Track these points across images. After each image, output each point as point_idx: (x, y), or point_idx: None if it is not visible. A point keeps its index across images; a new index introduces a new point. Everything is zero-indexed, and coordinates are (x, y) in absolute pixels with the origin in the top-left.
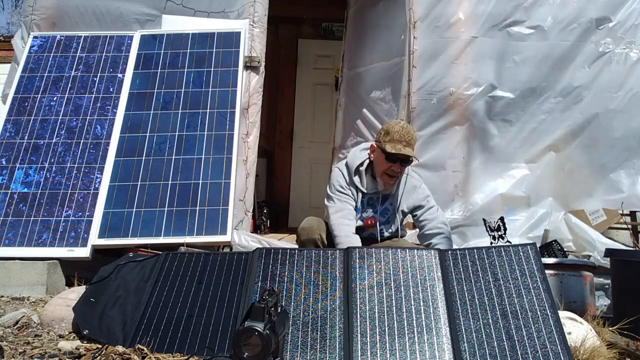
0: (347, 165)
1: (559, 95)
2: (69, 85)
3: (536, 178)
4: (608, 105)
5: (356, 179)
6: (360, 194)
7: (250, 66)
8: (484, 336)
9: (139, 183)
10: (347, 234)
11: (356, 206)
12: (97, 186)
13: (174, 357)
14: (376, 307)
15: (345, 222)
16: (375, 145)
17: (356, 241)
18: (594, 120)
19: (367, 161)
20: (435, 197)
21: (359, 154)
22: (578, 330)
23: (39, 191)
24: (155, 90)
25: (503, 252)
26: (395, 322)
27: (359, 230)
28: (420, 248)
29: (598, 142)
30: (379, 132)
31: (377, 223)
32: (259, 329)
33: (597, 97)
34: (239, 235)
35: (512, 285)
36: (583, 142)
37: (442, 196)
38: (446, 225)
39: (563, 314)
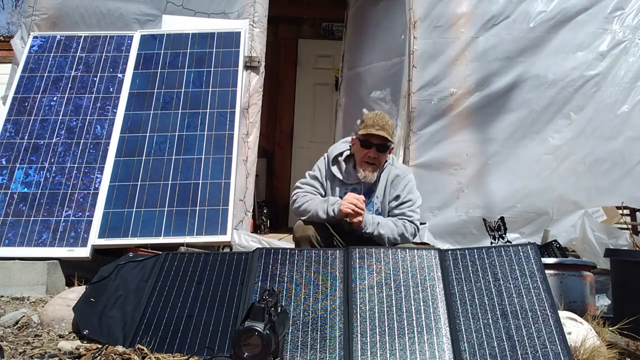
0: (327, 155)
1: (572, 86)
2: (69, 85)
3: (551, 173)
4: (627, 95)
5: (334, 168)
6: (338, 185)
7: (250, 66)
8: (484, 336)
9: (139, 183)
10: (318, 199)
11: (338, 197)
12: (97, 186)
13: (174, 357)
14: (376, 307)
15: (311, 196)
16: (353, 138)
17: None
18: (613, 111)
19: (347, 152)
20: (438, 196)
21: (339, 146)
22: (578, 330)
23: (39, 191)
24: (155, 90)
25: (503, 252)
26: (395, 322)
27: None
28: (420, 248)
29: (620, 134)
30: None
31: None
32: (259, 329)
33: (615, 87)
34: (239, 235)
35: (512, 285)
36: (602, 134)
37: (444, 195)
38: (408, 225)
39: (563, 314)
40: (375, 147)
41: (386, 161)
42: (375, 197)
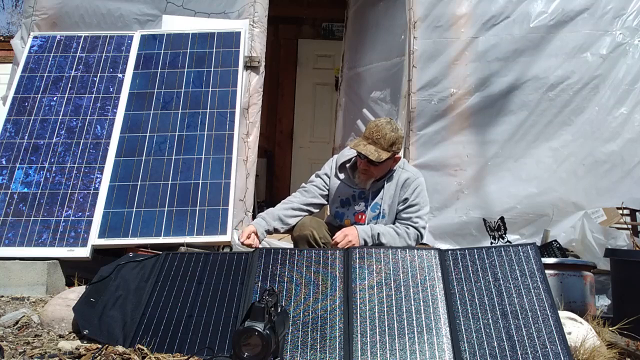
0: (336, 160)
1: (572, 88)
2: (69, 85)
3: (551, 174)
4: (626, 97)
5: (341, 175)
6: (346, 188)
7: (250, 66)
8: (484, 336)
9: (139, 183)
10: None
11: (343, 198)
12: (97, 186)
13: (174, 357)
14: (376, 307)
15: (286, 201)
16: None
17: (265, 213)
18: (612, 113)
19: (355, 158)
20: (438, 197)
21: (346, 152)
22: (578, 330)
23: (39, 191)
24: (155, 90)
25: (503, 252)
26: (395, 322)
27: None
28: (420, 248)
29: (619, 135)
30: None
31: (366, 218)
32: (259, 329)
33: (614, 89)
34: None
35: (512, 285)
36: (602, 135)
37: (444, 196)
38: (412, 231)
39: (563, 314)
40: (366, 159)
41: (392, 170)
42: (381, 200)
